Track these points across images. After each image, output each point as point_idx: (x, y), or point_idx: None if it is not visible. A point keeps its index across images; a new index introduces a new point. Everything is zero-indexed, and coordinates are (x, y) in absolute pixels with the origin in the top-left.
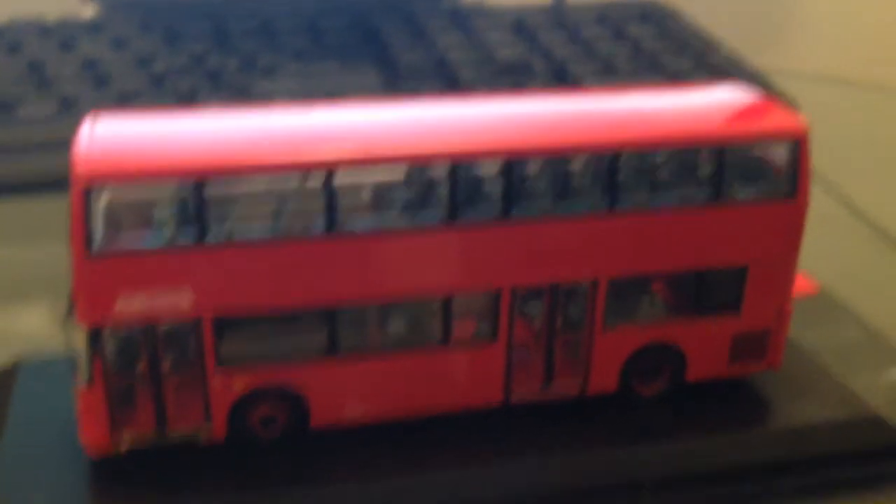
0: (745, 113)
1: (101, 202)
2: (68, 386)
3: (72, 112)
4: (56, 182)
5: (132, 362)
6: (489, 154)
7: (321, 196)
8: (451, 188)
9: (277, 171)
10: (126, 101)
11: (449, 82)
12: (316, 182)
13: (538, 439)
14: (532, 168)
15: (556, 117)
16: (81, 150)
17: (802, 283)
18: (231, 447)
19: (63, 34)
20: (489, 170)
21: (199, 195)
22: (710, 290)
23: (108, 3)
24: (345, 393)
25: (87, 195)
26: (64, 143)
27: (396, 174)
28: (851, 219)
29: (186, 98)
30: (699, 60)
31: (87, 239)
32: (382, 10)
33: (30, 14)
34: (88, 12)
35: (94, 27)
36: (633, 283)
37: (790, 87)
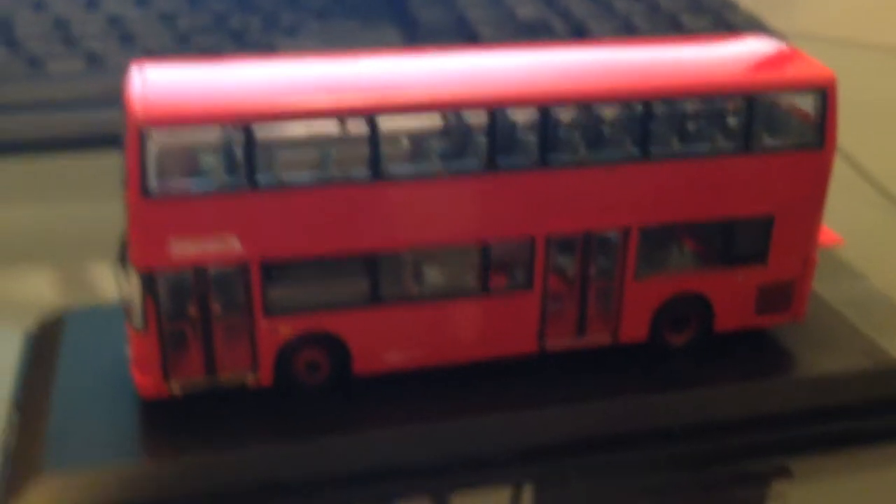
0: (773, 63)
1: (156, 146)
2: (115, 332)
3: (99, 69)
4: (85, 139)
5: (183, 307)
6: (527, 101)
7: (365, 142)
8: (489, 135)
9: (325, 116)
10: (152, 58)
11: (468, 40)
12: (360, 128)
13: (571, 387)
14: (566, 116)
15: (589, 66)
16: (136, 94)
17: (827, 234)
18: (277, 392)
19: None
20: (525, 118)
21: (249, 139)
22: (737, 241)
23: None
24: (386, 340)
25: (144, 137)
26: (93, 100)
27: (436, 122)
28: (862, 182)
29: (211, 55)
30: (718, 20)
31: (143, 181)
32: None
33: None
34: None
35: None
36: (664, 232)
37: (806, 49)
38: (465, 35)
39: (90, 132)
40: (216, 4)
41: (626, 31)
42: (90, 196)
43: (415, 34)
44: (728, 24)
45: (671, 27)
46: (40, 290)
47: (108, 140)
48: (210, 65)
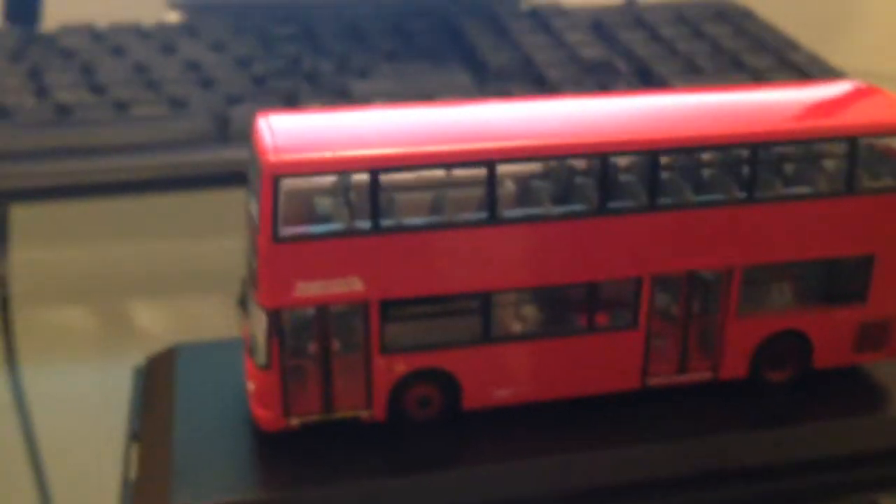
0: (871, 105)
1: (285, 192)
2: (229, 367)
3: (182, 112)
4: (172, 180)
5: (305, 345)
6: (637, 146)
7: (478, 185)
8: (599, 179)
9: (448, 163)
10: (233, 102)
11: (536, 82)
12: (477, 173)
13: (673, 424)
14: (672, 160)
15: (694, 111)
16: (267, 143)
17: None
18: (390, 427)
19: (160, 38)
20: (633, 162)
21: (375, 184)
22: (838, 280)
23: (192, 8)
24: (495, 376)
25: (277, 184)
26: (177, 143)
27: (548, 166)
28: None
29: (289, 98)
30: (781, 59)
31: (274, 225)
32: (463, 11)
33: (112, 19)
34: (173, 17)
35: (187, 30)
36: (766, 271)
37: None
38: (532, 77)
39: (176, 174)
40: (289, 48)
41: (690, 71)
42: (177, 235)
43: (483, 76)
44: (791, 63)
45: (734, 67)
46: (144, 326)
47: (194, 181)
48: (329, 113)
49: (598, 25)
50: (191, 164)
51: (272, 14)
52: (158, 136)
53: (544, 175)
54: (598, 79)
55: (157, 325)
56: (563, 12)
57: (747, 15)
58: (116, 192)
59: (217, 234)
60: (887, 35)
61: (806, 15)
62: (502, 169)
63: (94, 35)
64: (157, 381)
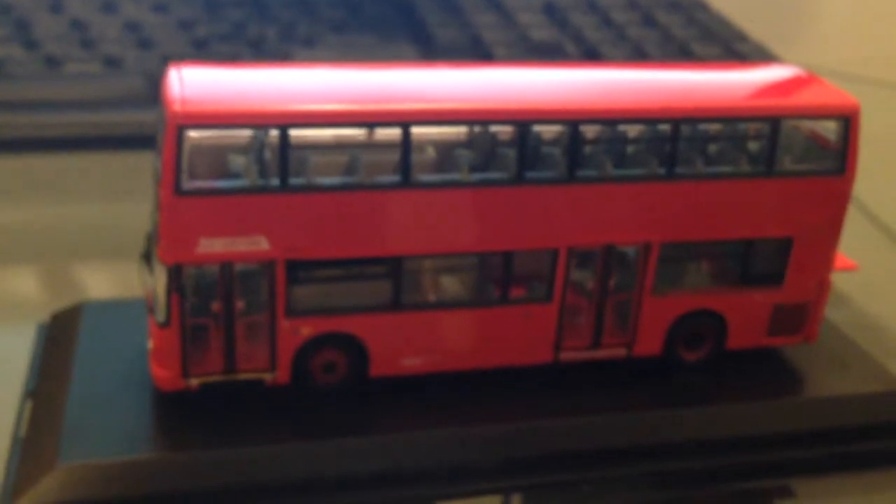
0: (799, 89)
1: (191, 144)
2: (133, 326)
3: (117, 71)
4: (104, 138)
5: (207, 303)
6: (556, 116)
7: (394, 149)
8: (517, 149)
9: (360, 122)
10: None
11: (483, 60)
12: (390, 135)
13: (583, 399)
14: (593, 132)
15: (617, 85)
16: (174, 93)
17: (841, 259)
18: (293, 390)
19: None
20: (552, 133)
21: (284, 141)
22: (755, 261)
23: None
24: (404, 344)
25: (180, 134)
26: (110, 101)
27: (463, 133)
28: (861, 217)
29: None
30: (728, 48)
31: (177, 177)
32: None
33: None
34: None
35: None
36: (683, 249)
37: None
38: (479, 55)
39: (106, 133)
40: (234, 13)
41: (638, 56)
42: (105, 195)
43: (430, 51)
44: (738, 53)
45: (682, 55)
46: (52, 286)
47: (124, 141)
48: (246, 69)
49: (551, 8)
50: (123, 123)
51: None
52: (90, 93)
53: (468, 144)
54: (544, 60)
55: (87, 284)
56: None
57: (700, 6)
58: (45, 149)
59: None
60: (847, 33)
61: (768, 12)
62: (424, 135)
63: None
64: (58, 339)
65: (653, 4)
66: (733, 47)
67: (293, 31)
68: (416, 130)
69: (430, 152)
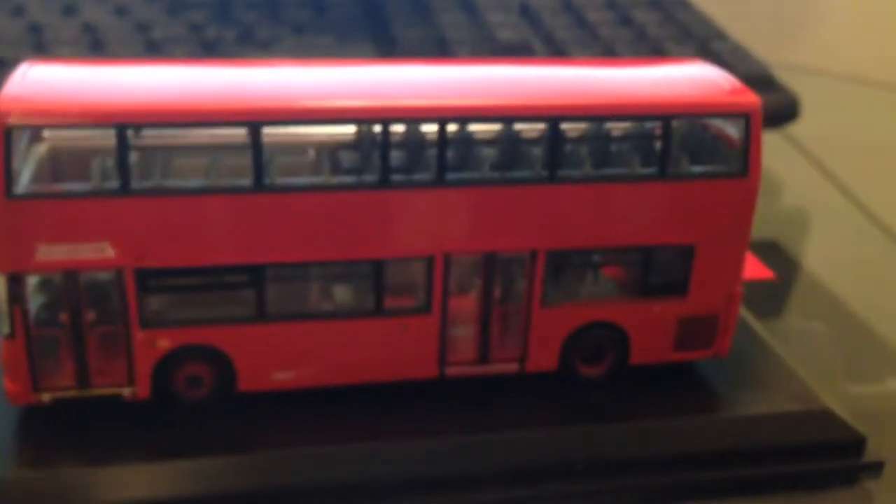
0: (699, 87)
1: (30, 146)
2: None
3: None
4: None
5: (54, 314)
6: (423, 113)
7: (248, 150)
8: (383, 149)
9: (200, 120)
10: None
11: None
12: (243, 135)
13: (473, 416)
14: (469, 132)
15: (502, 81)
16: (7, 89)
17: (758, 268)
18: (160, 405)
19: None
20: (428, 132)
21: (122, 141)
22: (655, 270)
23: None
24: (273, 357)
25: (8, 135)
26: None
27: (357, 136)
28: (849, 212)
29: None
30: (702, 48)
31: (7, 180)
32: None
33: None
34: None
35: None
36: (575, 257)
37: (804, 83)
38: (440, 55)
39: None
40: (194, 16)
41: (608, 56)
42: None
43: (391, 52)
44: (712, 53)
45: (653, 54)
46: None
47: None
48: (101, 65)
49: (525, 8)
50: None
51: None
52: None
53: (352, 146)
54: (509, 60)
55: None
56: None
57: (681, 3)
58: None
59: None
60: (846, 35)
61: (767, 13)
62: (297, 134)
63: None
64: None
65: (630, 3)
66: (709, 46)
67: (251, 33)
68: (276, 131)
69: (300, 153)
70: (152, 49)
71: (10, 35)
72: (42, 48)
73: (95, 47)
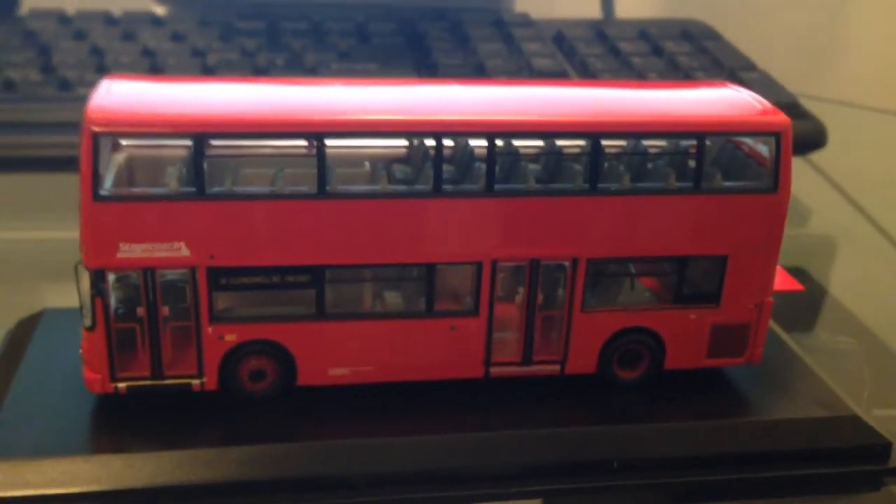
0: (731, 107)
1: (114, 152)
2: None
3: None
4: None
5: (133, 308)
6: (477, 128)
7: (311, 159)
8: (436, 161)
9: (269, 130)
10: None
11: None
12: (305, 146)
13: (517, 414)
14: (519, 146)
15: (544, 99)
16: (94, 102)
17: (788, 280)
18: (226, 397)
19: (125, 25)
20: (477, 145)
21: (199, 149)
22: (689, 279)
23: (176, 1)
24: (331, 353)
25: (96, 141)
26: None
27: (410, 150)
28: (877, 241)
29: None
30: (732, 78)
31: (94, 183)
32: (431, 17)
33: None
34: (158, 10)
35: (153, 20)
36: (614, 265)
37: (830, 114)
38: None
39: None
40: (246, 42)
41: None
42: None
43: (433, 78)
44: (741, 82)
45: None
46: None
47: None
48: (175, 81)
49: (560, 38)
50: None
51: (247, 11)
52: None
53: (406, 159)
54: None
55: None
56: (529, 22)
57: (711, 35)
58: (54, 168)
59: None
60: (872, 67)
61: (795, 45)
62: (350, 147)
63: (61, 19)
64: (16, 343)
65: (663, 35)
66: (738, 76)
67: (300, 59)
68: (337, 143)
69: (360, 164)
70: (207, 73)
71: (73, 58)
72: (103, 71)
73: (153, 71)
